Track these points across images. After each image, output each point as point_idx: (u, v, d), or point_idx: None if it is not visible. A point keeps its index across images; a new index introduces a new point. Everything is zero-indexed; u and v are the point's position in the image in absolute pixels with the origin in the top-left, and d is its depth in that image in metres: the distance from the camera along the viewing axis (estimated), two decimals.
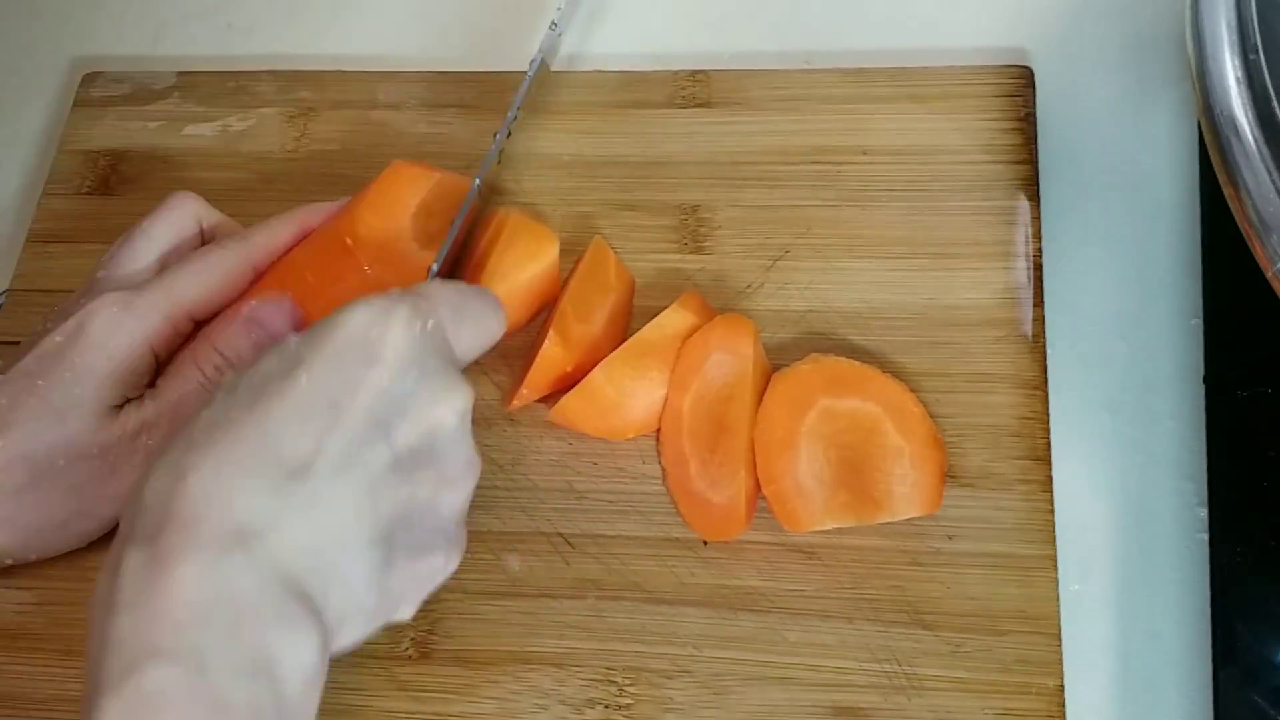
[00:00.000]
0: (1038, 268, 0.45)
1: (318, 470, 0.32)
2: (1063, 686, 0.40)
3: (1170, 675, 0.41)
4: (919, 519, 0.42)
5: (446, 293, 0.37)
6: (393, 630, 0.40)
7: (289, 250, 0.45)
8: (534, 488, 0.44)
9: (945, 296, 0.45)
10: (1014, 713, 0.39)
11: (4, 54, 0.59)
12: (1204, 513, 0.43)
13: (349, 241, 0.43)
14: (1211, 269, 0.46)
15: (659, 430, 0.44)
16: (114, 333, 0.41)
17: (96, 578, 0.32)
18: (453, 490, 0.36)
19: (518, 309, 0.46)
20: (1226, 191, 0.37)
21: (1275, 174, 0.36)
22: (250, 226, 0.45)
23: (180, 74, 0.55)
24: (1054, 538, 0.42)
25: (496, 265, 0.45)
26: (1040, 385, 0.44)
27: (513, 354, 0.46)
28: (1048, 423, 0.43)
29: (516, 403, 0.45)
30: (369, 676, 0.42)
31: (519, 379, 0.45)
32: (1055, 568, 0.41)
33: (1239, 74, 0.37)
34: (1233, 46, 0.38)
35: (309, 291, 0.43)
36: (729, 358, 0.43)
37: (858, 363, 0.43)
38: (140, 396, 0.42)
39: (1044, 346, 0.44)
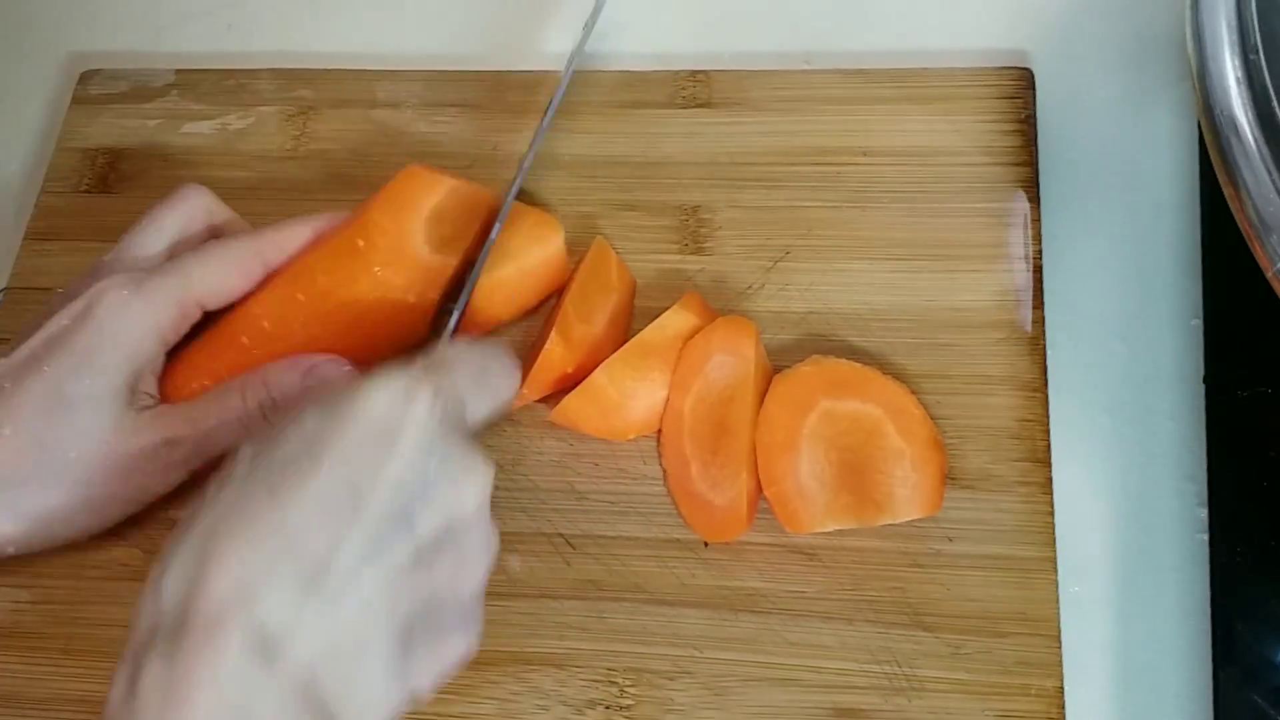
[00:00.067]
0: (1038, 269, 0.45)
1: (339, 567, 0.31)
2: (1062, 688, 0.40)
3: (1170, 675, 0.41)
4: (919, 521, 0.42)
5: (467, 357, 0.36)
6: None
7: (298, 251, 0.44)
8: (535, 488, 0.44)
9: (945, 298, 0.45)
10: (1014, 714, 0.40)
11: (2, 50, 0.59)
12: (1204, 513, 0.43)
13: (360, 243, 0.43)
14: (1211, 269, 0.46)
15: (660, 431, 0.44)
16: (122, 315, 0.40)
17: (112, 676, 0.31)
18: (471, 570, 0.35)
19: (524, 294, 0.46)
20: (1226, 191, 0.37)
21: (1275, 174, 0.36)
22: (263, 226, 0.44)
23: (179, 72, 0.55)
24: (1054, 539, 0.42)
25: (502, 248, 0.45)
26: (1040, 387, 0.44)
27: (515, 351, 0.46)
28: (1048, 424, 0.43)
29: (517, 403, 0.45)
30: None
31: (522, 376, 0.45)
32: (1055, 569, 0.41)
33: (1239, 74, 0.37)
34: (1233, 46, 0.38)
35: (320, 293, 0.43)
36: (730, 359, 0.43)
37: (858, 364, 0.43)
38: (171, 407, 0.41)
39: (1044, 348, 0.44)
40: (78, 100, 0.54)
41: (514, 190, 0.45)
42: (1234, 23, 0.38)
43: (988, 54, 0.51)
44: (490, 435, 0.45)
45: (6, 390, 0.40)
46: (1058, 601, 0.41)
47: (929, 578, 0.41)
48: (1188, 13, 0.39)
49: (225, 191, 0.51)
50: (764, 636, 0.41)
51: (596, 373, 0.43)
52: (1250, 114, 0.37)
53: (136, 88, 0.54)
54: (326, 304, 0.43)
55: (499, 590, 0.43)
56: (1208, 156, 0.38)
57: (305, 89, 0.53)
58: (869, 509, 0.41)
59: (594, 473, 0.44)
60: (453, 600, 0.34)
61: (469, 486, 0.34)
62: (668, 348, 0.44)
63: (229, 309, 0.43)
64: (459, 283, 0.44)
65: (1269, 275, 0.36)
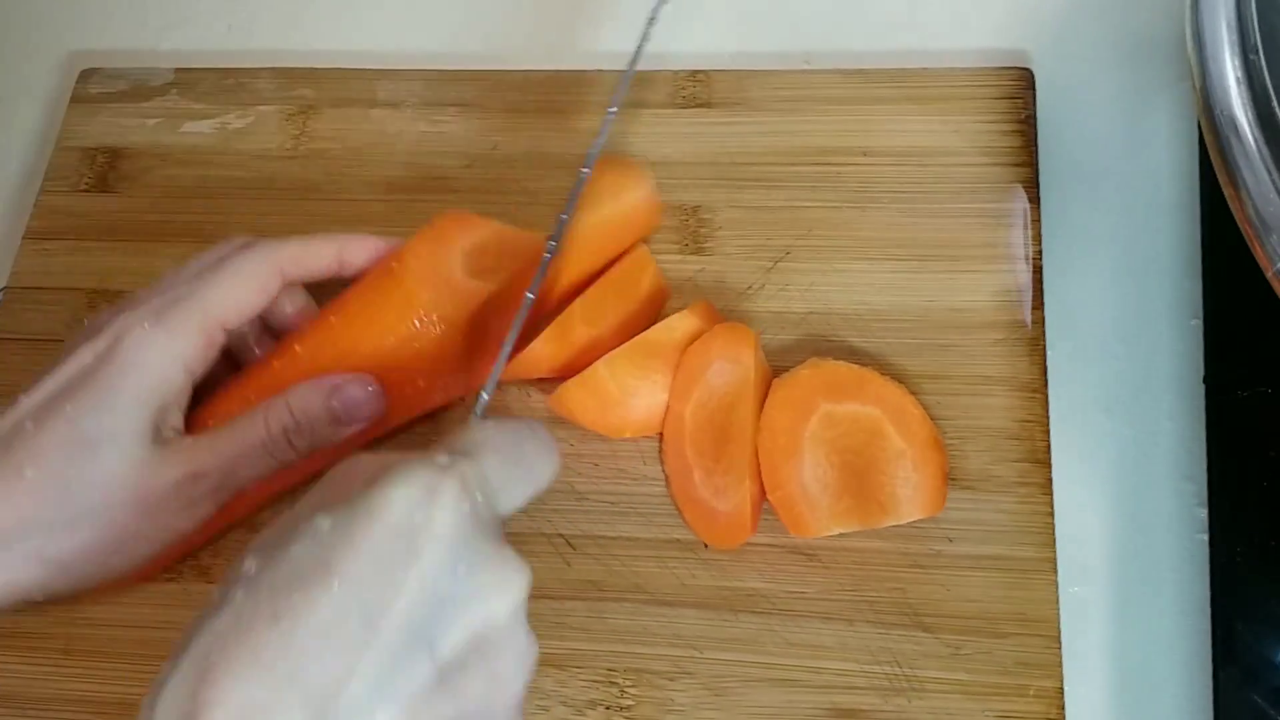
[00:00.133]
0: (1037, 269, 0.45)
1: (350, 697, 0.27)
2: (1062, 688, 0.40)
3: (1170, 675, 0.41)
4: (919, 522, 0.42)
5: (498, 440, 0.32)
6: None
7: (321, 270, 0.43)
8: None
9: (945, 298, 0.45)
10: (1014, 714, 0.40)
11: (1, 49, 0.59)
12: (1204, 513, 0.43)
13: (395, 265, 0.42)
14: (1211, 269, 0.46)
15: (662, 438, 0.44)
16: (146, 350, 0.39)
17: None
18: (506, 688, 0.30)
19: (617, 238, 0.46)
20: (1226, 191, 0.37)
21: (1275, 174, 0.36)
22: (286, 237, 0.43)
23: (179, 71, 0.55)
24: (1054, 540, 0.42)
25: (593, 191, 0.44)
26: (1040, 387, 0.44)
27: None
28: (1047, 425, 0.43)
29: (502, 379, 0.44)
30: None
31: (512, 354, 0.44)
32: (1055, 570, 0.41)
33: (1239, 74, 0.37)
34: (1233, 46, 0.38)
35: (351, 314, 0.42)
36: (730, 366, 0.43)
37: (856, 366, 0.43)
38: (194, 439, 0.40)
39: (1044, 348, 0.44)
40: (77, 99, 0.54)
41: (568, 213, 0.43)
42: (1234, 23, 0.38)
43: (987, 54, 0.51)
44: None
45: (28, 431, 0.38)
46: (1057, 602, 0.41)
47: (929, 578, 0.41)
48: (1188, 13, 0.39)
49: (225, 191, 0.51)
50: (764, 637, 0.41)
51: (598, 364, 0.43)
52: (1250, 114, 0.37)
53: (136, 87, 0.54)
54: (358, 326, 0.42)
55: None
56: (1208, 156, 0.38)
57: (305, 88, 0.53)
58: (873, 511, 0.41)
59: (594, 473, 0.44)
60: (485, 717, 0.30)
61: (502, 594, 0.30)
62: (673, 350, 0.44)
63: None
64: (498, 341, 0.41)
65: (1269, 275, 0.36)
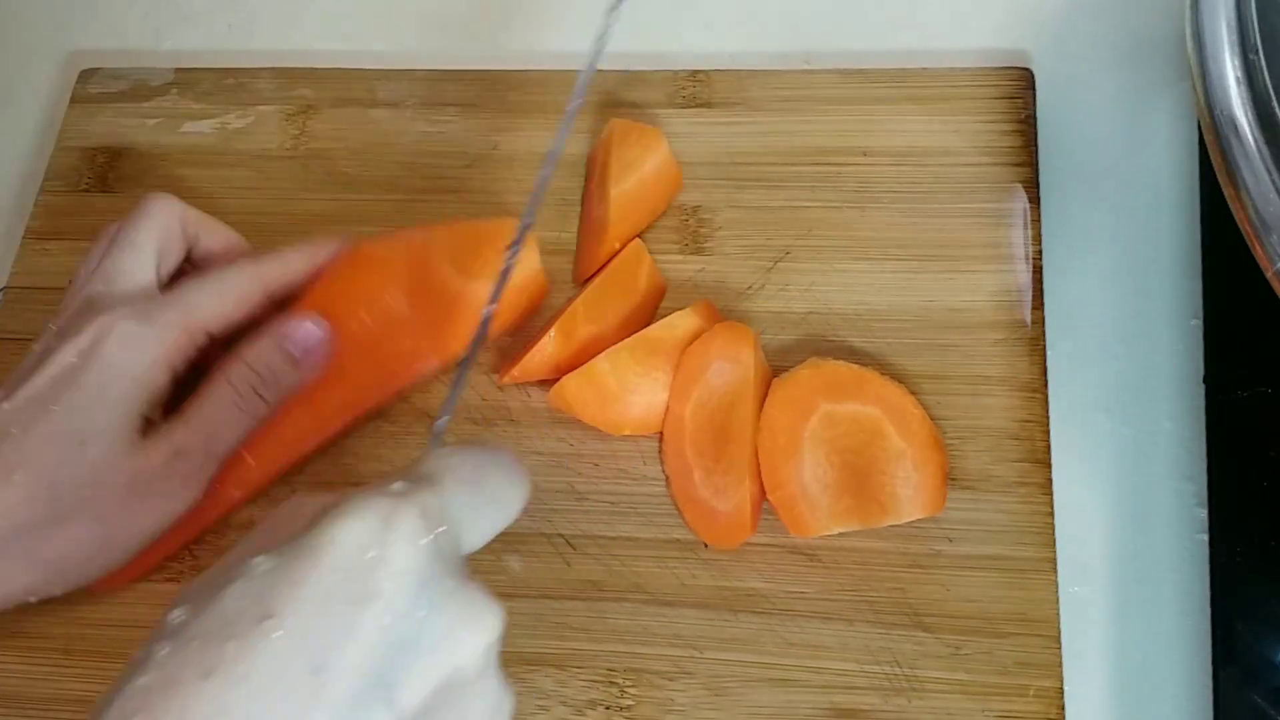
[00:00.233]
0: (1037, 269, 0.45)
1: None
2: (1062, 688, 0.40)
3: (1170, 675, 0.41)
4: (919, 521, 0.42)
5: (460, 468, 0.29)
6: None
7: (299, 279, 0.44)
8: (535, 488, 0.44)
9: (945, 298, 0.45)
10: (1014, 714, 0.40)
11: (1, 49, 0.59)
12: (1204, 513, 0.43)
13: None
14: (1211, 269, 0.46)
15: (662, 437, 0.44)
16: (130, 350, 0.39)
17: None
18: None
19: (649, 202, 0.47)
20: (1226, 191, 0.37)
21: (1275, 174, 0.36)
22: (263, 251, 0.44)
23: (178, 70, 0.55)
24: (1053, 540, 0.42)
25: (617, 164, 0.46)
26: (1040, 388, 0.44)
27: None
28: (1047, 425, 0.43)
29: (507, 380, 0.45)
30: None
31: (517, 356, 0.45)
32: (1055, 570, 0.41)
33: (1239, 74, 0.37)
34: (1233, 46, 0.38)
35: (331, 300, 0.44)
36: (729, 366, 0.43)
37: (856, 366, 0.43)
38: (167, 419, 0.40)
39: (1043, 348, 0.44)
40: (77, 99, 0.54)
41: (535, 200, 0.42)
42: (1234, 23, 0.38)
43: (987, 54, 0.51)
44: (490, 435, 0.45)
45: (14, 436, 0.38)
46: (1057, 602, 0.41)
47: (929, 578, 0.42)
48: (1188, 13, 0.39)
49: (225, 191, 0.51)
50: (764, 637, 0.41)
51: (599, 358, 0.43)
52: (1250, 114, 0.37)
53: (136, 87, 0.54)
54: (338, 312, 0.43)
55: (500, 591, 0.42)
56: (1208, 156, 0.38)
57: (305, 88, 0.53)
58: (873, 510, 0.41)
59: (594, 473, 0.44)
60: None
61: (471, 638, 0.27)
62: (674, 348, 0.44)
63: None
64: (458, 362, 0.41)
65: (1269, 275, 0.36)
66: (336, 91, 0.53)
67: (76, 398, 0.38)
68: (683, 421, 0.43)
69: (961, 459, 0.43)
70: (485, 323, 0.39)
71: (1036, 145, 0.48)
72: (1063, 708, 0.39)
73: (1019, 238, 0.46)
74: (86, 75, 0.55)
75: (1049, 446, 0.43)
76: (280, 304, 0.44)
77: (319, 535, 0.26)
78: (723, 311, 0.46)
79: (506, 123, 0.51)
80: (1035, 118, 0.48)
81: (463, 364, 0.38)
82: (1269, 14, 0.38)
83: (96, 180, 0.52)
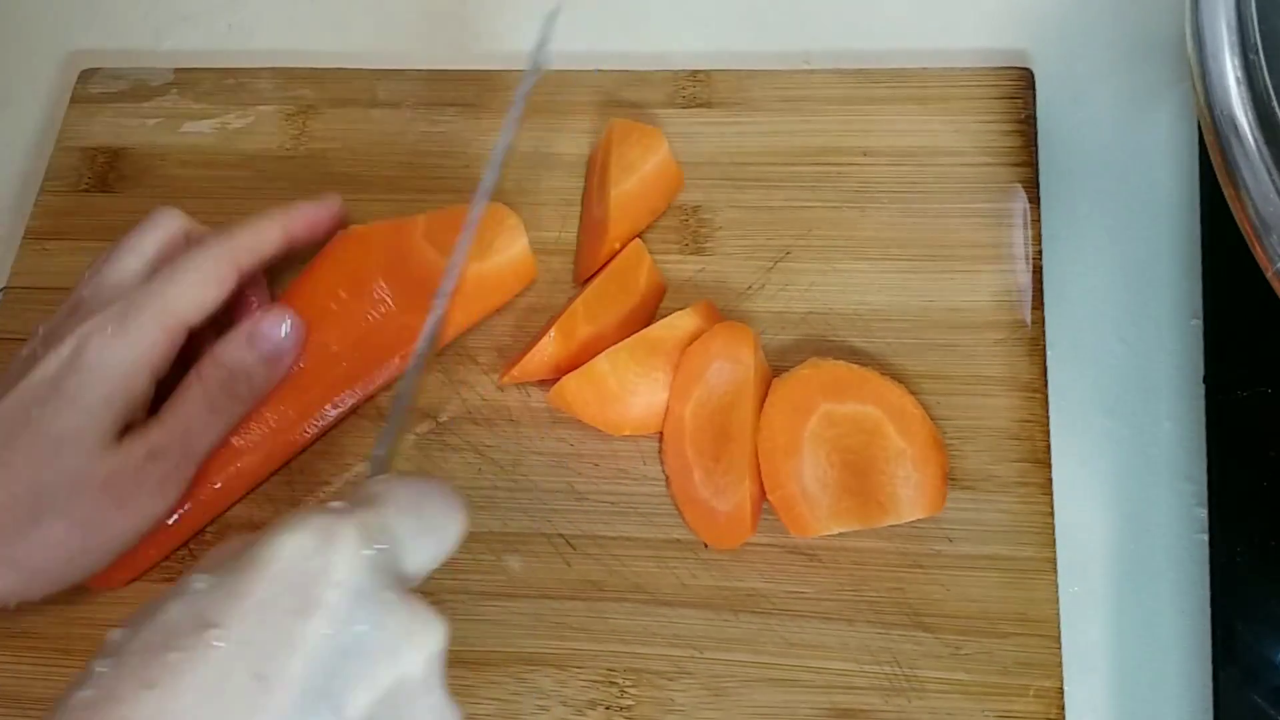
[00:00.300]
0: (1037, 269, 0.45)
1: None
2: (1062, 688, 0.40)
3: (1170, 675, 0.41)
4: (919, 521, 0.42)
5: (400, 494, 0.30)
6: None
7: (273, 252, 0.44)
8: (535, 488, 0.44)
9: (945, 298, 0.45)
10: (1014, 714, 0.40)
11: (1, 49, 0.59)
12: (1204, 513, 0.43)
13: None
14: (1211, 269, 0.46)
15: (662, 437, 0.44)
16: (109, 357, 0.39)
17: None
18: None
19: (651, 201, 0.47)
20: (1226, 191, 0.37)
21: (1275, 174, 0.36)
22: (232, 225, 0.43)
23: (178, 71, 0.55)
24: (1054, 540, 0.42)
25: (617, 164, 0.46)
26: (1040, 387, 0.44)
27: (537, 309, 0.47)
28: (1047, 425, 0.43)
29: (506, 380, 0.45)
30: None
31: (516, 356, 0.45)
32: (1055, 569, 0.41)
33: (1239, 74, 0.37)
34: (1233, 46, 0.38)
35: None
36: (730, 365, 0.43)
37: (856, 366, 0.43)
38: (143, 421, 0.40)
39: (1044, 348, 0.44)
40: (77, 99, 0.54)
41: (480, 200, 0.42)
42: (1234, 23, 0.38)
43: (988, 54, 0.51)
44: (490, 435, 0.45)
45: None
46: (1058, 602, 0.41)
47: (929, 578, 0.41)
48: (1188, 13, 0.39)
49: (224, 191, 0.51)
50: (764, 637, 0.41)
51: (599, 358, 0.43)
52: (1250, 114, 0.37)
53: (136, 87, 0.54)
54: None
55: (499, 591, 0.43)
56: (1208, 156, 0.38)
57: (305, 88, 0.53)
58: (873, 510, 0.41)
59: (594, 473, 0.44)
60: None
61: (415, 649, 0.27)
62: (675, 348, 0.44)
63: None
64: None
65: (1269, 275, 0.36)
66: (336, 91, 0.53)
67: (56, 405, 0.38)
68: (683, 421, 0.43)
69: (961, 459, 0.43)
70: (435, 323, 0.39)
71: (1036, 145, 0.48)
72: (1063, 708, 0.39)
73: (1019, 238, 0.46)
74: (86, 75, 0.55)
75: (1049, 446, 0.43)
76: (261, 281, 0.44)
77: (258, 550, 0.26)
78: (723, 311, 0.46)
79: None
80: (1035, 118, 0.48)
81: (410, 371, 0.38)
82: (1269, 14, 0.38)
83: (96, 180, 0.52)
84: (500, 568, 0.43)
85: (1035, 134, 0.48)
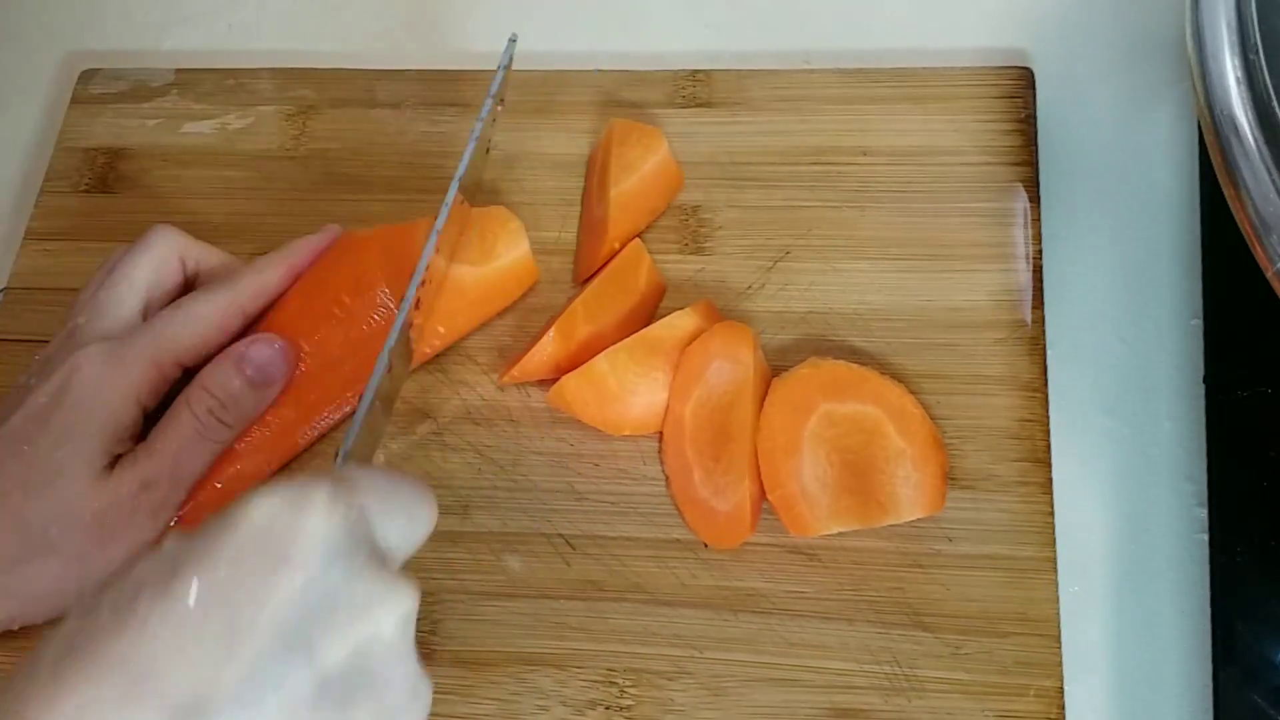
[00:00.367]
0: (1038, 269, 0.45)
1: (218, 705, 0.25)
2: (1062, 688, 0.40)
3: (1170, 675, 0.41)
4: (919, 521, 0.42)
5: (372, 479, 0.30)
6: None
7: (279, 291, 0.44)
8: (534, 488, 0.44)
9: (945, 298, 0.45)
10: (1014, 714, 0.40)
11: (2, 50, 0.59)
12: (1204, 513, 0.43)
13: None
14: (1211, 269, 0.46)
15: (661, 437, 0.44)
16: (98, 388, 0.39)
17: None
18: None
19: (651, 200, 0.47)
20: (1226, 191, 0.37)
21: (1275, 174, 0.36)
22: (238, 270, 0.44)
23: (179, 71, 0.55)
24: (1054, 539, 0.42)
25: (616, 164, 0.46)
26: (1040, 387, 0.44)
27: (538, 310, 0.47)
28: (1047, 424, 0.43)
29: (506, 380, 0.45)
30: None
31: (515, 357, 0.45)
32: (1055, 569, 0.41)
33: (1239, 74, 0.37)
34: (1233, 46, 0.38)
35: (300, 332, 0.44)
36: (729, 365, 0.43)
37: (856, 365, 0.43)
38: (132, 452, 0.40)
39: (1044, 348, 0.44)
40: (77, 100, 0.54)
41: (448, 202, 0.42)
42: (1234, 23, 0.38)
43: (987, 53, 0.51)
44: (490, 435, 0.45)
45: None
46: (1058, 601, 0.41)
47: (929, 578, 0.41)
48: (1188, 13, 0.39)
49: (224, 191, 0.51)
50: (764, 637, 0.41)
51: (599, 358, 0.43)
52: (1250, 114, 0.37)
53: (136, 87, 0.54)
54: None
55: (499, 591, 0.43)
56: (1208, 156, 0.38)
57: (305, 88, 0.53)
58: (873, 510, 0.41)
59: (594, 473, 0.44)
60: None
61: (385, 609, 0.28)
62: (674, 347, 0.44)
63: None
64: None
65: (1269, 275, 0.36)
66: (336, 92, 0.53)
67: (46, 437, 0.39)
68: (682, 421, 0.43)
69: (961, 458, 0.43)
70: (402, 328, 0.39)
71: (1036, 144, 0.48)
72: (1063, 707, 0.39)
73: (1019, 237, 0.46)
74: (87, 76, 0.55)
75: (1049, 446, 0.43)
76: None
77: (229, 512, 0.27)
78: (723, 311, 0.46)
79: (505, 122, 0.51)
80: (1035, 117, 0.48)
81: (379, 363, 0.38)
82: (1269, 14, 0.38)
83: (97, 181, 0.52)
84: (500, 568, 0.43)
85: (1035, 133, 0.48)
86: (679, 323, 0.44)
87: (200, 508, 0.43)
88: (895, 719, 0.40)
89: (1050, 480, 0.42)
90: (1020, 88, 0.49)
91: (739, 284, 0.47)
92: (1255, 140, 0.37)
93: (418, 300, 0.40)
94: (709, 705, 0.41)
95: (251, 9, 0.58)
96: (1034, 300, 0.45)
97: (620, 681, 0.41)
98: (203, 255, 0.45)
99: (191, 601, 0.25)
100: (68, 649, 0.25)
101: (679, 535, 0.43)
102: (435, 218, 0.42)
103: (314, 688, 0.26)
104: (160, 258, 0.43)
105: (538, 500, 0.44)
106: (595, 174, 0.49)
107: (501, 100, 0.46)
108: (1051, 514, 0.42)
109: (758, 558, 0.42)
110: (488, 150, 0.48)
